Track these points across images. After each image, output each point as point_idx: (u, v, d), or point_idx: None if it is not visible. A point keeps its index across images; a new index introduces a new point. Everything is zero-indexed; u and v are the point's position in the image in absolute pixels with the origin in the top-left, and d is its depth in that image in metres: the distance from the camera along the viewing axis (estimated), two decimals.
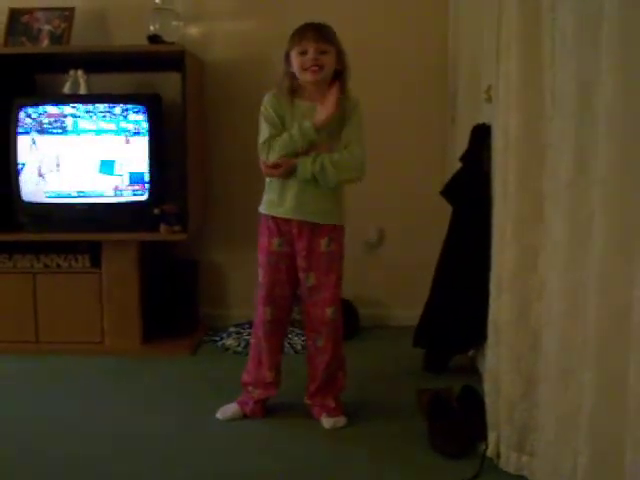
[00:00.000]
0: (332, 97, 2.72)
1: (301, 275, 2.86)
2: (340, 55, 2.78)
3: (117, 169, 3.77)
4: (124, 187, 3.78)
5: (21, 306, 3.85)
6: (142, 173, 3.78)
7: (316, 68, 2.69)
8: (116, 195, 3.79)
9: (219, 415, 2.93)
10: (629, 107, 1.58)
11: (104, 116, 3.75)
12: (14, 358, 3.72)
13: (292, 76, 2.77)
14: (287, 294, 2.90)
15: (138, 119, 3.75)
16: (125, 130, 3.75)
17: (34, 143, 3.80)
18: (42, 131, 3.79)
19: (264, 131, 2.79)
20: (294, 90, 2.79)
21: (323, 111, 2.71)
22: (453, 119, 4.07)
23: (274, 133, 2.76)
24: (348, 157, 2.77)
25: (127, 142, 3.76)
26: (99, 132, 3.76)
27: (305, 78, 2.72)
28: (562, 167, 1.92)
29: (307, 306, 2.92)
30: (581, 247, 1.82)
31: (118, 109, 3.75)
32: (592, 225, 1.73)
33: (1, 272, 3.86)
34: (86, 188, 3.80)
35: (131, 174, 3.78)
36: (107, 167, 3.77)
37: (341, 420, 2.89)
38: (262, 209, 2.88)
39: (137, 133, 3.76)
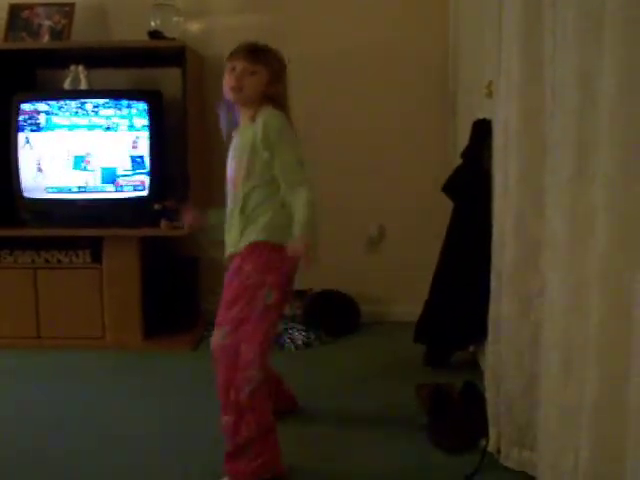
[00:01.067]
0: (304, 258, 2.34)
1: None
2: (274, 79, 2.56)
3: (119, 164, 3.78)
4: (124, 183, 3.78)
5: (22, 301, 3.86)
6: (142, 168, 3.78)
7: (236, 90, 2.51)
8: (117, 191, 3.79)
9: None
10: (631, 102, 1.58)
11: (104, 111, 3.75)
12: (15, 353, 3.73)
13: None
14: None
15: (139, 114, 3.75)
16: (126, 125, 3.75)
17: (33, 139, 3.80)
18: (42, 127, 3.79)
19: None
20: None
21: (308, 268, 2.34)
22: (454, 115, 4.07)
23: None
24: (304, 204, 2.38)
25: (128, 136, 3.76)
26: (100, 127, 3.76)
27: (228, 96, 2.56)
28: (563, 163, 1.91)
29: None
30: (582, 243, 1.82)
31: (118, 105, 3.75)
32: (593, 221, 1.73)
33: (2, 267, 3.87)
34: (86, 184, 3.80)
35: (133, 166, 3.79)
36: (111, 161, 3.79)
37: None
38: (276, 239, 2.48)
39: (138, 128, 3.75)
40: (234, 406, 2.41)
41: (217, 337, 2.51)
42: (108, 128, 3.76)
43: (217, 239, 2.67)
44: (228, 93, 2.55)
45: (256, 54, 2.55)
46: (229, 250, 2.58)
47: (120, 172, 3.80)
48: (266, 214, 2.51)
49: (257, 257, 2.49)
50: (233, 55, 2.57)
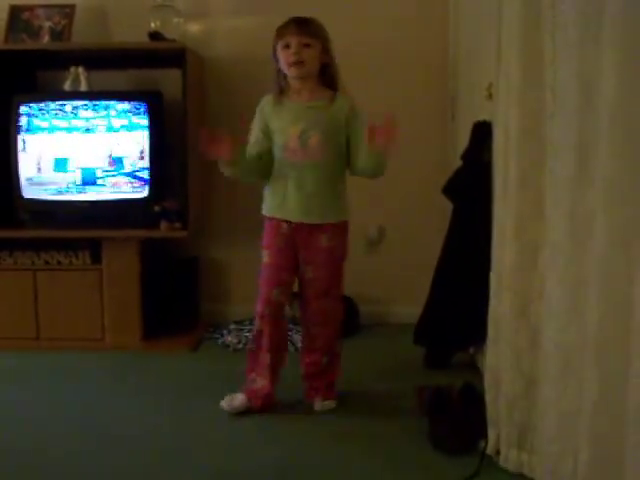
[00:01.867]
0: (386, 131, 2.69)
1: (301, 267, 2.89)
2: (326, 48, 2.77)
3: (118, 165, 3.78)
4: (125, 184, 3.79)
5: (21, 303, 3.85)
6: (143, 169, 3.78)
7: (299, 64, 2.70)
8: (116, 192, 3.79)
9: (225, 405, 2.91)
10: (631, 104, 1.58)
11: (104, 113, 3.75)
12: (14, 354, 3.72)
13: (281, 74, 2.79)
14: (290, 280, 2.93)
15: (139, 116, 3.75)
16: (126, 126, 3.75)
17: (32, 140, 3.80)
18: (42, 128, 3.79)
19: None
20: (284, 90, 2.81)
21: (379, 143, 2.68)
22: (453, 116, 4.07)
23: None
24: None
25: (128, 138, 3.76)
26: (100, 128, 3.76)
27: (291, 73, 2.74)
28: (563, 164, 1.92)
29: (304, 297, 2.95)
30: (582, 245, 1.82)
31: (119, 106, 3.75)
32: (593, 223, 1.73)
33: (1, 269, 3.87)
34: (86, 185, 3.80)
35: (132, 170, 3.79)
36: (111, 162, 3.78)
37: (331, 404, 2.95)
38: (265, 211, 2.92)
39: (138, 130, 3.75)
40: (334, 349, 3.00)
41: (324, 303, 2.91)
42: (109, 128, 3.77)
43: (235, 175, 2.87)
44: (289, 69, 2.73)
45: (306, 26, 2.73)
46: (302, 217, 2.82)
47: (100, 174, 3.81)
48: (344, 192, 2.91)
49: (345, 235, 2.91)
50: (283, 31, 2.74)
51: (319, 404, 2.95)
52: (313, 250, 2.85)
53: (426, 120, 4.18)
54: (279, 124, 2.78)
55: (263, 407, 2.93)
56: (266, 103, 2.85)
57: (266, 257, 2.89)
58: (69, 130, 3.78)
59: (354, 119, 2.80)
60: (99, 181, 3.81)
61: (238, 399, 2.92)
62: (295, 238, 2.85)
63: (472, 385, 2.86)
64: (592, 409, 1.74)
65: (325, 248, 2.84)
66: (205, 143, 2.69)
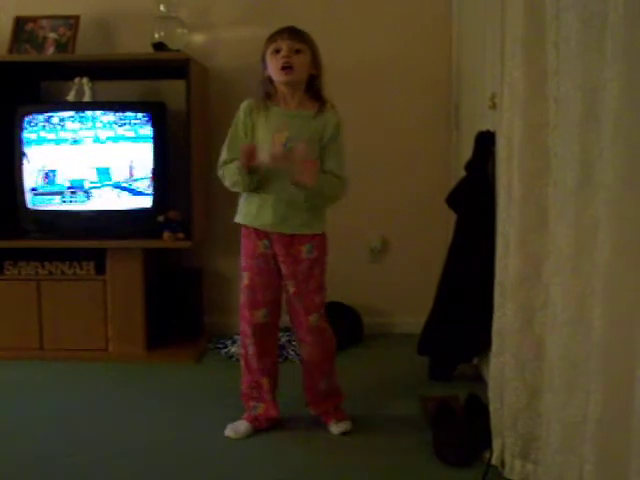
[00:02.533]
0: (314, 169, 2.65)
1: (283, 282, 2.84)
2: (315, 58, 2.76)
3: (122, 176, 3.78)
4: (129, 194, 3.80)
5: (25, 313, 3.86)
6: (146, 180, 3.79)
7: (288, 69, 2.68)
8: (120, 202, 3.80)
9: (230, 434, 2.84)
10: (634, 115, 1.58)
11: (109, 123, 3.76)
12: (18, 364, 3.72)
13: (268, 80, 2.76)
14: (276, 297, 2.87)
15: (143, 126, 3.76)
16: (130, 137, 3.76)
17: (38, 149, 3.81)
18: (46, 138, 3.80)
19: (224, 150, 2.84)
20: (269, 95, 2.78)
21: (302, 179, 2.63)
22: (457, 126, 4.08)
23: (231, 157, 2.78)
24: (338, 183, 2.77)
25: (132, 149, 3.77)
26: (104, 140, 3.77)
27: (279, 79, 2.71)
28: (567, 175, 1.92)
29: (291, 314, 2.91)
30: (586, 255, 1.82)
31: (123, 116, 3.76)
32: (597, 233, 1.73)
33: (6, 279, 3.87)
34: (90, 195, 3.81)
35: (135, 180, 3.79)
36: (108, 174, 3.79)
37: (348, 424, 2.89)
38: (240, 219, 2.88)
39: (142, 140, 3.76)
40: (331, 371, 2.94)
41: (312, 320, 2.83)
42: (113, 139, 3.78)
43: (248, 185, 2.76)
44: (278, 74, 2.70)
45: (298, 33, 2.73)
46: (278, 227, 2.78)
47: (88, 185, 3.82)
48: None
49: (325, 247, 2.85)
50: (275, 36, 2.73)
51: (335, 426, 2.88)
52: (293, 264, 2.79)
53: (430, 130, 4.19)
54: (263, 130, 2.74)
55: (269, 426, 2.91)
56: (252, 108, 2.79)
57: (246, 279, 2.85)
58: (74, 141, 3.79)
59: (334, 139, 2.78)
60: (98, 191, 3.82)
61: (243, 426, 2.87)
62: (275, 252, 2.80)
63: (477, 396, 2.86)
64: (597, 420, 1.74)
65: (305, 260, 2.79)
66: (246, 156, 2.66)
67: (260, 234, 2.81)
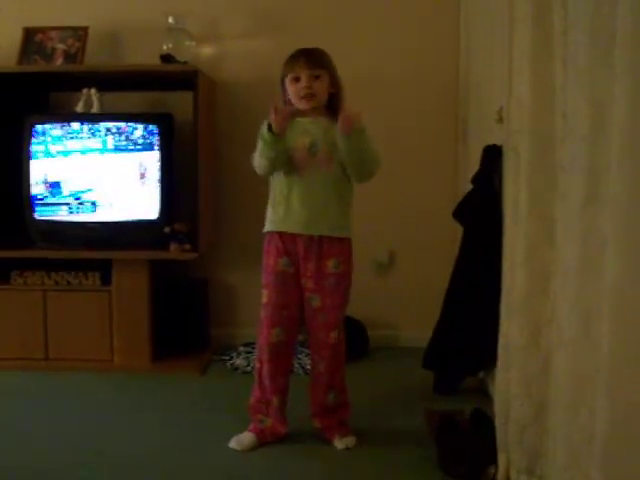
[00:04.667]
0: (357, 116, 2.68)
1: (306, 295, 2.84)
2: (334, 78, 2.79)
3: (129, 187, 3.79)
4: (136, 205, 3.80)
5: (31, 323, 3.86)
6: (153, 191, 3.79)
7: (309, 96, 2.73)
8: (127, 213, 3.80)
9: (235, 446, 2.84)
10: None
11: (117, 134, 3.77)
12: (23, 374, 3.72)
13: (288, 102, 2.80)
14: (295, 315, 2.86)
15: (150, 138, 3.77)
16: (137, 149, 3.77)
17: (46, 160, 3.82)
18: (54, 149, 3.81)
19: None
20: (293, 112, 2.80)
21: (346, 124, 2.66)
22: (464, 140, 4.07)
23: None
24: (375, 150, 2.81)
25: (139, 160, 3.78)
26: (112, 150, 3.78)
27: (300, 106, 2.76)
28: (574, 190, 1.91)
29: (311, 328, 2.90)
30: (593, 271, 1.81)
31: (131, 128, 3.77)
32: (605, 249, 1.72)
33: (12, 289, 3.87)
34: (97, 206, 3.82)
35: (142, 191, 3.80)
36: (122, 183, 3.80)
37: (352, 439, 2.88)
38: (267, 227, 2.87)
39: (149, 151, 3.77)
40: (341, 385, 2.94)
41: (333, 336, 2.85)
42: (121, 150, 3.79)
43: (274, 149, 2.73)
44: (299, 102, 2.75)
45: (315, 58, 2.76)
46: (306, 229, 2.78)
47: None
48: (349, 209, 2.88)
49: (351, 262, 2.87)
50: (293, 63, 2.75)
51: (339, 442, 2.87)
52: (320, 278, 2.80)
53: (437, 144, 4.19)
54: (288, 136, 2.75)
55: (274, 441, 2.90)
56: None
57: (265, 297, 2.86)
58: (82, 151, 3.80)
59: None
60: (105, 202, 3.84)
61: (247, 438, 2.86)
62: (298, 266, 2.81)
63: (482, 410, 2.84)
64: (604, 437, 1.72)
65: (333, 275, 2.81)
66: (276, 113, 2.65)
67: (282, 249, 2.81)
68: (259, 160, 2.78)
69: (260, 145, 2.74)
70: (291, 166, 2.77)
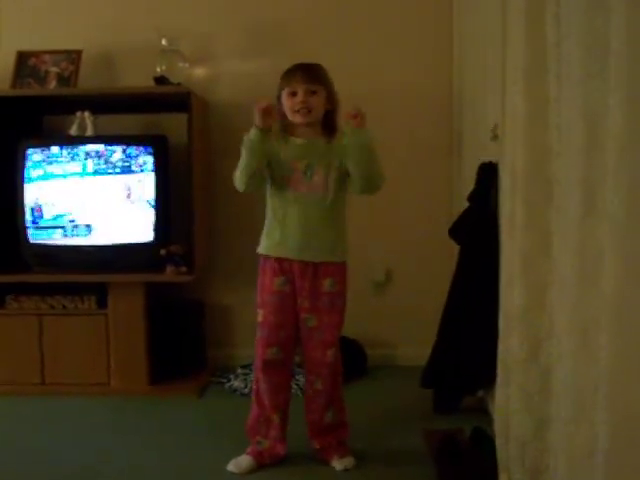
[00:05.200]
0: (361, 116, 2.70)
1: (302, 315, 2.83)
2: (330, 94, 2.79)
3: (123, 209, 3.78)
4: (131, 228, 3.79)
5: (27, 347, 3.84)
6: (148, 213, 3.78)
7: (305, 111, 2.71)
8: (122, 236, 3.79)
9: (233, 469, 2.81)
10: (638, 141, 1.57)
11: (111, 157, 3.76)
12: (20, 399, 3.70)
13: (284, 116, 2.78)
14: (290, 334, 2.85)
15: (145, 160, 3.76)
16: (132, 171, 3.76)
17: (40, 184, 3.81)
18: (48, 172, 3.80)
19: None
20: (287, 129, 2.81)
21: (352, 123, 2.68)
22: (459, 158, 4.08)
23: None
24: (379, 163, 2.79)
25: (134, 182, 3.77)
26: (105, 173, 3.77)
27: (295, 120, 2.75)
28: (570, 203, 1.90)
29: (307, 347, 2.88)
30: (591, 284, 1.80)
31: (125, 150, 3.76)
32: (602, 262, 1.71)
33: (7, 313, 3.85)
34: (92, 229, 3.80)
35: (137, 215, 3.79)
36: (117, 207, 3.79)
37: (351, 460, 2.85)
38: (262, 250, 2.86)
39: (143, 173, 3.76)
40: (339, 403, 2.92)
41: (330, 354, 2.83)
42: (115, 173, 3.78)
43: (253, 151, 2.72)
44: (294, 116, 2.74)
45: (313, 73, 2.76)
46: (302, 255, 2.78)
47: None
48: (344, 231, 2.87)
49: (345, 281, 2.86)
50: (290, 78, 2.75)
51: (338, 463, 2.84)
52: (315, 298, 2.80)
53: (432, 163, 4.20)
54: (283, 157, 2.75)
55: (272, 463, 2.88)
56: (275, 136, 2.80)
57: (260, 317, 2.85)
58: (74, 175, 3.79)
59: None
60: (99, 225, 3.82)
61: (245, 461, 2.84)
62: (294, 287, 2.80)
63: (482, 429, 2.82)
64: (605, 452, 1.70)
65: (328, 294, 2.80)
66: (261, 109, 2.67)
67: (278, 269, 2.80)
68: (240, 170, 2.76)
69: (243, 153, 2.73)
70: (286, 189, 2.77)
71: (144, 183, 3.78)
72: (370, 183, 2.78)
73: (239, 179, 2.77)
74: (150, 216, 3.78)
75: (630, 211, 1.60)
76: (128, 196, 3.78)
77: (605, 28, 1.66)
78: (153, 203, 3.78)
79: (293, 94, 2.72)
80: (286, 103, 2.75)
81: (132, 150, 3.78)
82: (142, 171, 3.77)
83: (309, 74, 2.74)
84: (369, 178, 2.76)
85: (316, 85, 2.73)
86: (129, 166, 3.77)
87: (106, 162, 3.78)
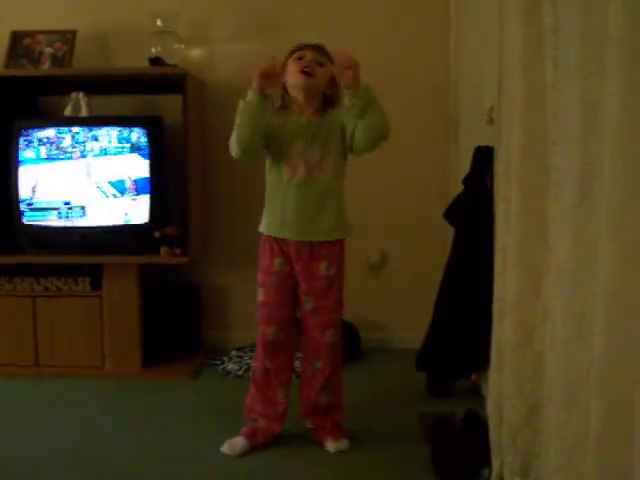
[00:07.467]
0: (355, 69, 2.64)
1: (301, 297, 2.85)
2: (334, 80, 2.77)
3: (119, 190, 3.77)
4: (126, 209, 3.78)
5: (21, 329, 3.83)
6: (143, 195, 3.77)
7: (309, 73, 2.70)
8: (117, 218, 3.78)
9: (227, 450, 2.82)
10: (635, 129, 1.56)
11: (105, 138, 3.75)
12: (13, 381, 3.70)
13: (285, 89, 2.78)
14: (289, 315, 2.87)
15: (140, 141, 3.75)
16: (126, 152, 3.75)
17: (34, 165, 3.79)
18: (43, 153, 3.79)
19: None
20: (286, 105, 2.80)
21: (346, 80, 2.62)
22: (455, 141, 4.07)
23: None
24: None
25: (129, 163, 3.76)
26: (100, 154, 3.76)
27: (297, 81, 2.72)
28: (566, 189, 1.90)
29: (306, 327, 2.90)
30: (586, 271, 1.80)
31: (119, 131, 3.74)
32: (597, 248, 1.71)
33: (1, 295, 3.85)
34: (87, 210, 3.79)
35: (132, 195, 3.78)
36: (111, 188, 3.77)
37: (345, 443, 2.86)
38: (262, 229, 2.86)
39: (138, 155, 3.75)
40: (337, 385, 2.94)
41: (328, 336, 2.85)
42: (109, 153, 3.76)
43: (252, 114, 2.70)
44: (297, 77, 2.72)
45: (322, 49, 2.78)
46: (302, 235, 2.78)
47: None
48: (344, 208, 2.86)
49: (342, 263, 2.86)
50: (299, 47, 2.77)
51: (332, 445, 2.85)
52: (311, 280, 2.80)
53: (427, 146, 4.18)
54: (283, 133, 2.74)
55: (266, 443, 2.89)
56: (275, 111, 2.80)
57: (261, 295, 2.87)
58: (68, 156, 3.77)
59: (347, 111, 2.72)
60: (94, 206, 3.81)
61: (239, 443, 2.85)
62: (292, 268, 2.81)
63: (475, 412, 2.83)
64: (598, 437, 1.71)
65: (324, 277, 2.80)
66: (261, 70, 2.64)
67: (277, 249, 2.81)
68: (236, 134, 2.72)
69: (237, 118, 2.71)
70: (284, 170, 2.76)
71: (139, 164, 3.76)
72: (377, 132, 2.69)
73: (237, 141, 2.72)
74: (145, 198, 3.77)
75: (626, 198, 1.60)
76: (123, 177, 3.76)
77: (602, 15, 1.65)
78: (148, 184, 3.77)
79: (300, 58, 2.73)
80: (292, 67, 2.74)
81: (127, 131, 3.76)
82: (137, 152, 3.76)
83: (319, 49, 2.76)
84: (375, 128, 2.68)
85: (324, 59, 2.74)
86: (124, 147, 3.76)
87: (100, 143, 3.76)
